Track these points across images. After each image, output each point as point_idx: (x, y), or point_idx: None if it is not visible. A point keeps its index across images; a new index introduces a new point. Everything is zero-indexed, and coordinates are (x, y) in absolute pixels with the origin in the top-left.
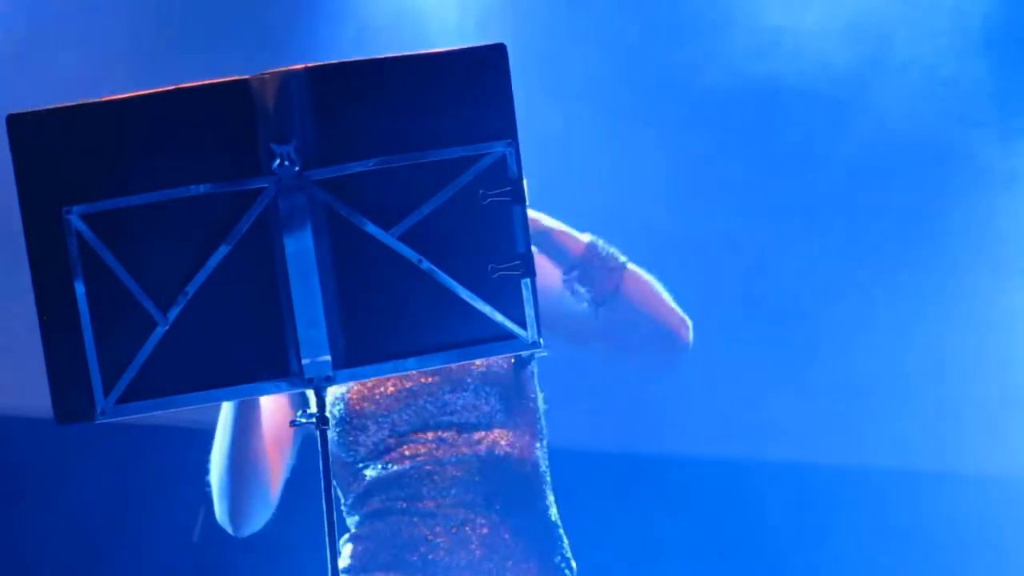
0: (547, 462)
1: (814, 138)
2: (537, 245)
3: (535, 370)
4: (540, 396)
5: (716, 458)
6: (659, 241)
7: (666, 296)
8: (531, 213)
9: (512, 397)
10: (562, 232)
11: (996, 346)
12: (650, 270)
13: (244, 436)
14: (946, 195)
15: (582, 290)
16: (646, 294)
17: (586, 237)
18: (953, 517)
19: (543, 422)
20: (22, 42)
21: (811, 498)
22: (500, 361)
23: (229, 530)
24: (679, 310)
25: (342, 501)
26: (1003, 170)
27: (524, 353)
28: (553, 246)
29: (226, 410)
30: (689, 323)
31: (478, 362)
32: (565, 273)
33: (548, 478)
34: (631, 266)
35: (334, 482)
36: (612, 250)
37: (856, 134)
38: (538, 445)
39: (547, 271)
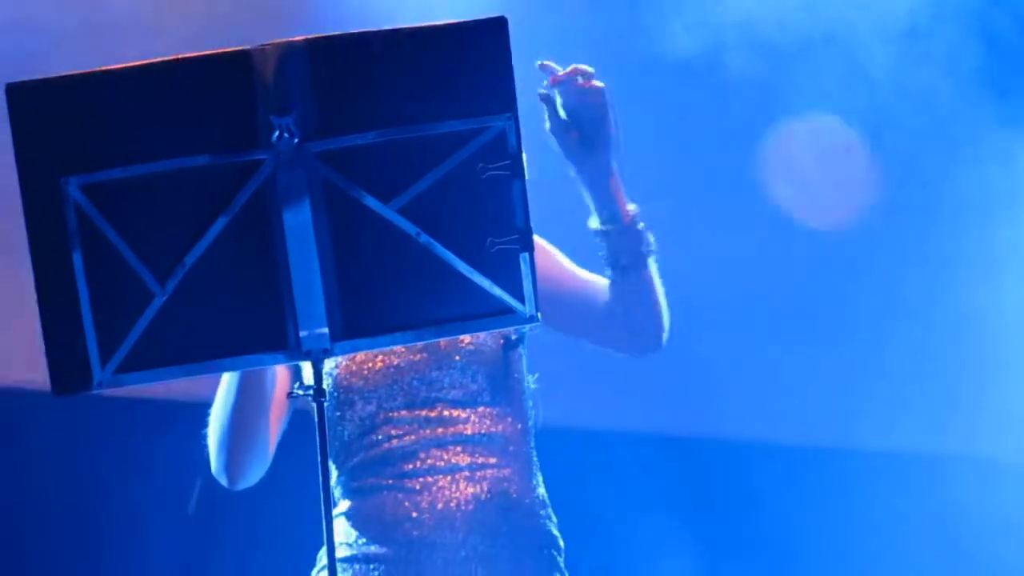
0: (533, 442)
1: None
2: (596, 186)
3: (524, 352)
4: (529, 378)
5: (724, 439)
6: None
7: (663, 297)
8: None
9: (499, 377)
10: (620, 187)
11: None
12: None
13: (247, 396)
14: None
15: (606, 250)
16: (654, 285)
17: (632, 205)
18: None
19: (531, 403)
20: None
21: (826, 483)
22: (489, 340)
23: (224, 483)
24: (667, 314)
25: (332, 476)
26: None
27: (522, 328)
28: (611, 195)
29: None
30: (667, 328)
31: (467, 340)
32: (605, 224)
33: (535, 458)
34: (651, 260)
35: None
36: (647, 234)
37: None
38: (523, 426)
39: (548, 256)
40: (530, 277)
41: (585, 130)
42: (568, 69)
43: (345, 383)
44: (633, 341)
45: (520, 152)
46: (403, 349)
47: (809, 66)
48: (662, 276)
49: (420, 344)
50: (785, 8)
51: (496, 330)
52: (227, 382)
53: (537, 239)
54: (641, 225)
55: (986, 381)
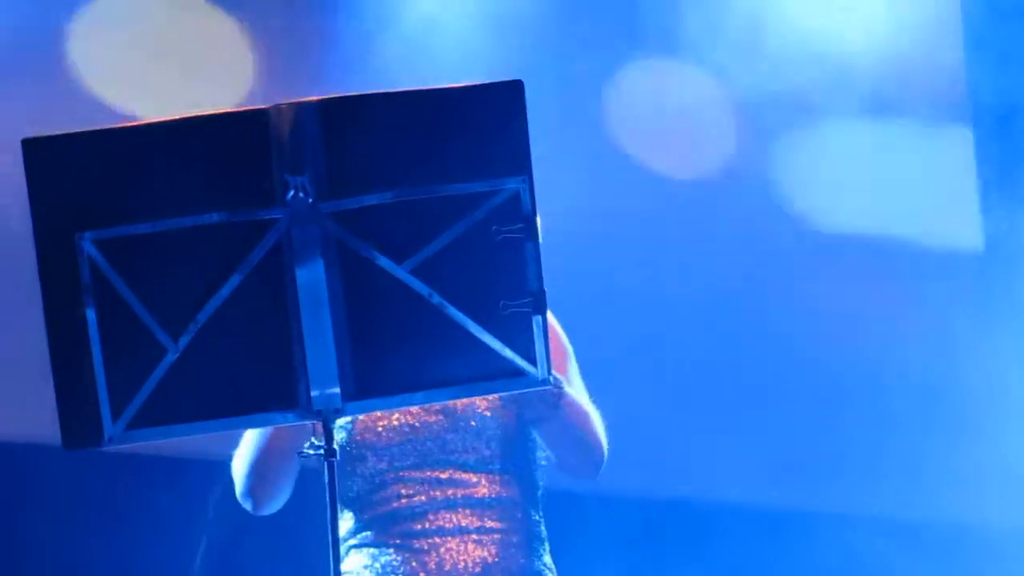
0: (542, 512)
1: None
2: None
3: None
4: (541, 448)
5: (715, 502)
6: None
7: (593, 425)
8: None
9: (513, 445)
10: None
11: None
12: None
13: (277, 433)
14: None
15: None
16: (579, 425)
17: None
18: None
19: (540, 473)
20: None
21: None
22: (505, 408)
23: (248, 507)
24: (603, 440)
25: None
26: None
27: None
28: None
29: None
30: (605, 453)
31: (483, 406)
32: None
33: (543, 527)
34: (568, 394)
35: None
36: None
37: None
38: (532, 495)
39: (562, 361)
40: (543, 340)
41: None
42: None
43: (359, 438)
44: (574, 474)
45: (535, 214)
46: (419, 409)
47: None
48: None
49: (437, 406)
50: None
51: (508, 392)
52: None
53: (564, 340)
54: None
55: (956, 445)
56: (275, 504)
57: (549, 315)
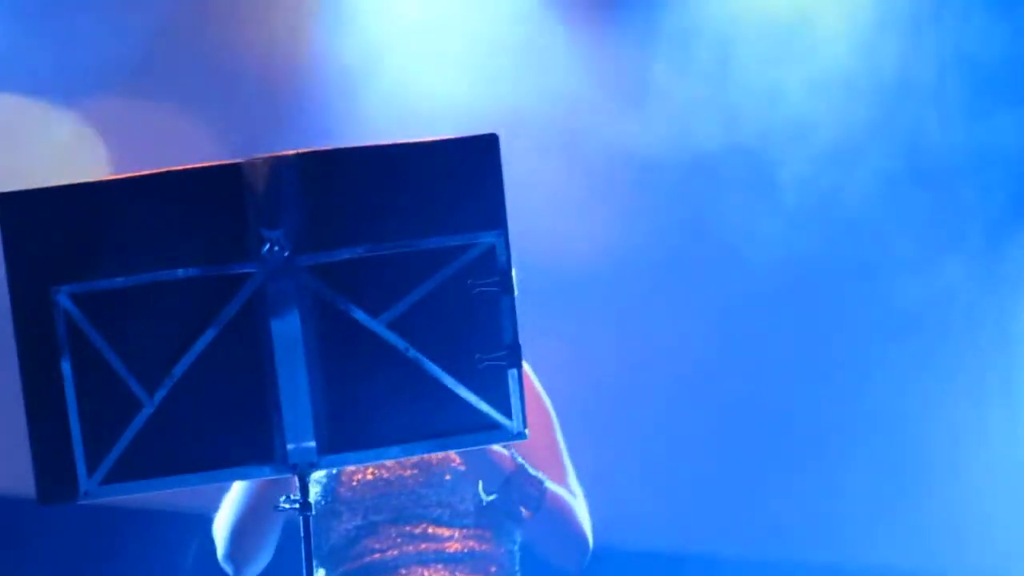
0: (518, 565)
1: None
2: (471, 463)
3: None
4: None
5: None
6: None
7: (575, 516)
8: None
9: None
10: (495, 452)
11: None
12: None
13: (260, 489)
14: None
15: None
16: (561, 521)
17: (513, 460)
18: None
19: (517, 534)
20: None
21: None
22: (482, 464)
23: (229, 571)
24: (586, 531)
25: None
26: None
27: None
28: (487, 463)
29: None
30: (590, 545)
31: (458, 460)
32: (497, 488)
33: None
34: (551, 489)
35: None
36: (536, 473)
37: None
38: (507, 549)
39: (547, 434)
40: (518, 393)
41: None
42: None
43: (334, 493)
44: (560, 565)
45: (510, 268)
46: (394, 463)
47: None
48: None
49: (412, 459)
50: None
51: (482, 446)
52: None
53: (548, 408)
54: (528, 468)
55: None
56: (256, 565)
57: (534, 382)
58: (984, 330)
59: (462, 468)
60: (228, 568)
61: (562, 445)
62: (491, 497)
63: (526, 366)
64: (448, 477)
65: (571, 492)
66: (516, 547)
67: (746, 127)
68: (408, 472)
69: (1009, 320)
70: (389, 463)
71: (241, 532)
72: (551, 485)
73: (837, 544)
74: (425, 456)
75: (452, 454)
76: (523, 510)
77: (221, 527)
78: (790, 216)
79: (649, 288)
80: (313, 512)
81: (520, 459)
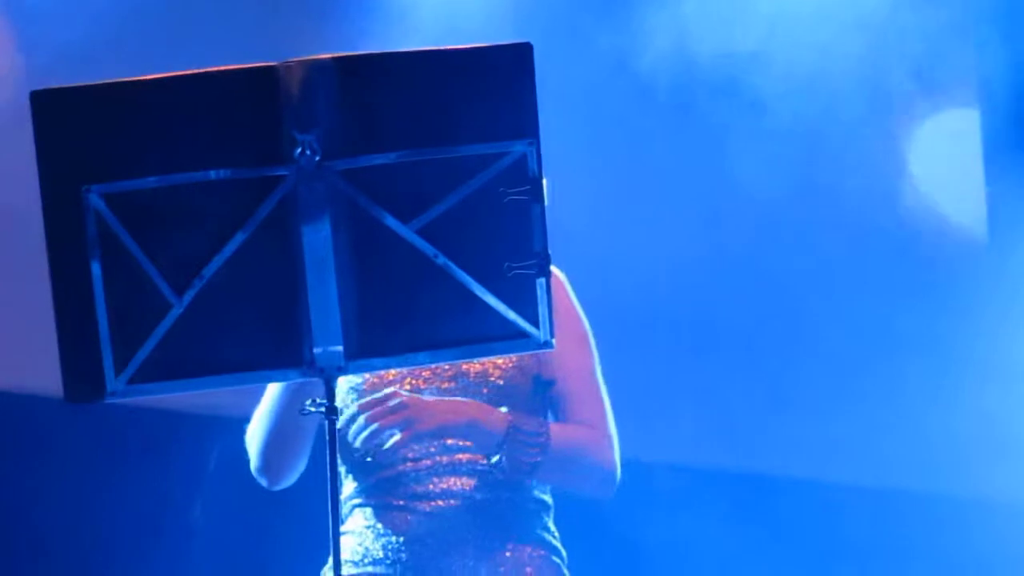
0: (548, 489)
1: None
2: (467, 436)
3: (553, 397)
4: (554, 418)
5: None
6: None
7: (595, 453)
8: (450, 408)
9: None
10: (487, 419)
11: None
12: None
13: (291, 401)
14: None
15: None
16: (571, 459)
17: (505, 420)
18: None
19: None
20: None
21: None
22: (519, 378)
23: (263, 483)
24: (604, 463)
25: (341, 491)
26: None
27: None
28: (480, 432)
29: None
30: (617, 474)
31: (496, 374)
32: (491, 456)
33: (548, 496)
34: (557, 433)
35: None
36: (533, 426)
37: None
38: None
39: (585, 355)
40: (546, 302)
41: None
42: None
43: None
44: (585, 496)
45: (541, 177)
46: (431, 374)
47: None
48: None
49: (449, 372)
50: None
51: (512, 354)
52: (273, 387)
53: (585, 327)
54: (522, 424)
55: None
56: (289, 477)
57: (575, 304)
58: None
59: (500, 383)
60: (262, 480)
61: (598, 373)
62: (495, 459)
63: (568, 288)
64: (485, 391)
65: (599, 421)
66: None
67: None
68: (445, 385)
69: None
70: (426, 374)
71: (272, 444)
72: (562, 429)
73: (849, 464)
74: (463, 369)
75: (489, 368)
76: (526, 465)
77: (253, 440)
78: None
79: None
80: (339, 416)
81: (513, 417)
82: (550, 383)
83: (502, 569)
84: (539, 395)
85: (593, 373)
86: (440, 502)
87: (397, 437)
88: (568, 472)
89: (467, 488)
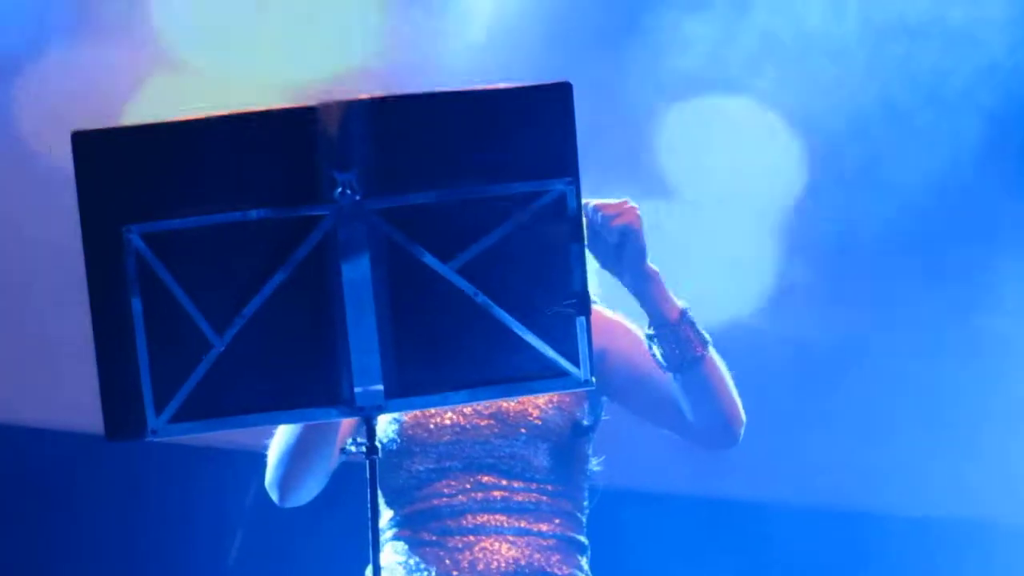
0: (584, 526)
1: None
2: (638, 293)
3: (593, 436)
4: (593, 460)
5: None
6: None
7: (734, 390)
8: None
9: (561, 457)
10: (663, 289)
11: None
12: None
13: (315, 425)
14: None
15: (658, 353)
16: (719, 380)
17: (682, 303)
18: None
19: (587, 490)
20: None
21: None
22: (558, 419)
23: (274, 497)
24: (740, 406)
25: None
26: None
27: (597, 411)
28: (652, 299)
29: None
30: (744, 420)
31: (535, 414)
32: (653, 328)
33: (583, 537)
34: (712, 350)
35: None
36: (701, 327)
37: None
38: (575, 506)
39: (630, 339)
40: (586, 341)
41: (616, 245)
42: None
43: (410, 432)
44: (705, 438)
45: (580, 216)
46: (471, 410)
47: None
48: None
49: (489, 409)
50: None
51: (552, 392)
52: None
53: (630, 325)
54: (691, 325)
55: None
56: (301, 497)
57: (620, 317)
58: None
59: (539, 423)
60: (272, 494)
61: None
62: (651, 331)
63: (598, 305)
64: (523, 431)
65: None
66: (585, 505)
67: None
68: (484, 422)
69: None
70: (467, 411)
71: (288, 461)
72: (713, 350)
73: (886, 493)
74: (502, 407)
75: (530, 407)
76: (697, 348)
77: (272, 455)
78: None
79: None
80: (380, 456)
81: (686, 304)
82: (591, 427)
83: None
84: (578, 439)
85: None
86: (471, 537)
87: None
88: (720, 385)
89: (501, 525)
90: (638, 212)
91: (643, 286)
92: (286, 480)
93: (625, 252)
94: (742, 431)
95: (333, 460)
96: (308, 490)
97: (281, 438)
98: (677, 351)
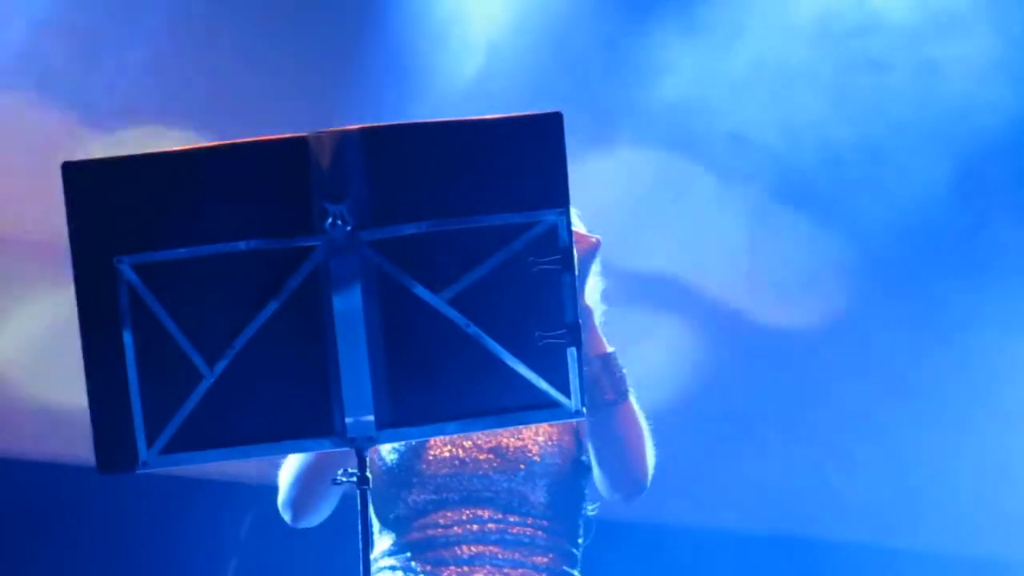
0: (579, 559)
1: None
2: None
3: (591, 477)
4: (590, 506)
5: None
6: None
7: (647, 446)
8: (585, 302)
9: (559, 495)
10: (592, 328)
11: None
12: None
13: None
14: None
15: None
16: (628, 432)
17: (609, 347)
18: None
19: (584, 527)
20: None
21: None
22: (557, 458)
23: (287, 518)
24: (649, 460)
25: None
26: None
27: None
28: (590, 334)
29: None
30: (650, 476)
31: (534, 450)
32: (592, 369)
33: (577, 572)
34: (632, 401)
35: None
36: (625, 373)
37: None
38: (569, 541)
39: None
40: (577, 372)
41: None
42: None
43: (408, 463)
44: (612, 483)
45: (571, 247)
46: (471, 444)
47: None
48: None
49: (488, 444)
50: None
51: (543, 423)
52: None
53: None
54: (609, 370)
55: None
56: (314, 518)
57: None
58: None
59: (537, 459)
60: (286, 515)
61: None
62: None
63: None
64: (522, 467)
65: None
66: (580, 541)
67: None
68: (483, 456)
69: None
70: (466, 444)
71: (300, 484)
72: (633, 400)
73: (882, 525)
74: (502, 443)
75: (529, 444)
76: (608, 394)
77: (284, 475)
78: None
79: None
80: (371, 486)
81: (613, 349)
82: (590, 467)
83: None
84: (579, 478)
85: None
86: (466, 567)
87: None
88: (624, 441)
89: (496, 556)
90: (592, 246)
91: None
92: (298, 501)
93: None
94: (646, 486)
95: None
96: (319, 511)
97: (292, 460)
98: (593, 392)
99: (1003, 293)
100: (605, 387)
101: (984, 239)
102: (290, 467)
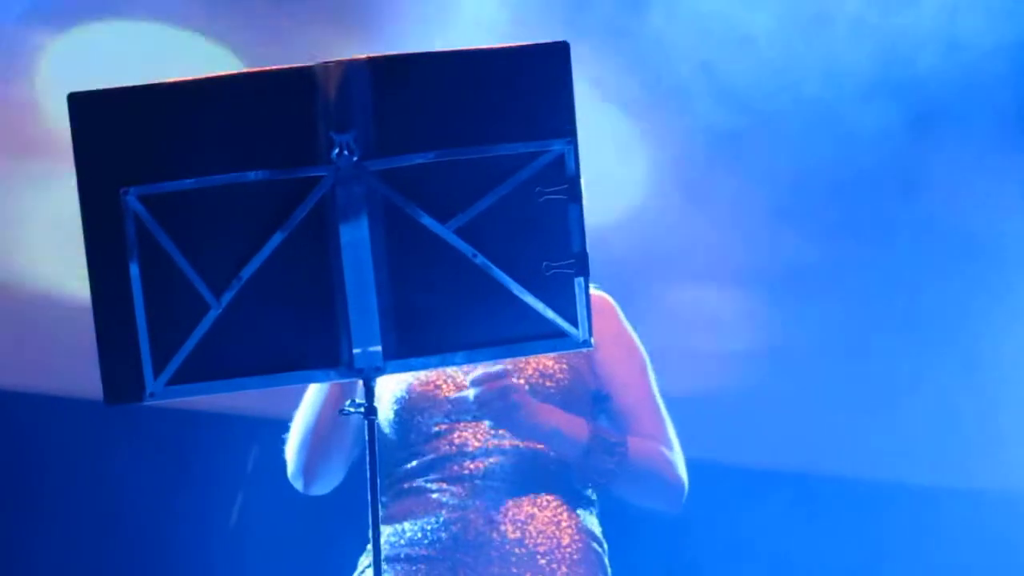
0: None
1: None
2: (548, 442)
3: (613, 413)
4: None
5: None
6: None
7: (665, 468)
8: (542, 411)
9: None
10: (561, 436)
11: None
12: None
13: (331, 406)
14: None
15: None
16: (644, 475)
17: (587, 427)
18: None
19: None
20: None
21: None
22: (572, 388)
23: (298, 487)
24: (678, 472)
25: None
26: None
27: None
28: (563, 440)
29: None
30: (685, 488)
31: (550, 383)
32: (579, 460)
33: (593, 494)
34: (633, 445)
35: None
36: (613, 436)
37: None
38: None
39: (641, 375)
40: (584, 302)
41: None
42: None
43: (420, 389)
44: (656, 510)
45: (578, 176)
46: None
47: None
48: None
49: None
50: None
51: (550, 353)
52: (313, 390)
53: (641, 351)
54: (596, 451)
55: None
56: (323, 485)
57: (626, 326)
58: None
59: (552, 390)
60: (297, 484)
61: (656, 392)
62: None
63: (618, 312)
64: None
65: (664, 436)
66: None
67: None
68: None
69: None
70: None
71: (308, 448)
72: (635, 442)
73: (879, 461)
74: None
75: (546, 381)
76: (603, 475)
77: (291, 444)
78: None
79: None
80: (377, 416)
81: (592, 425)
82: (607, 397)
83: (542, 548)
84: (592, 405)
85: (651, 390)
86: (478, 482)
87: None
88: (641, 485)
89: (509, 467)
90: (507, 386)
91: (545, 442)
92: (307, 468)
93: (506, 420)
94: (683, 499)
95: (350, 446)
96: (330, 478)
97: (297, 428)
98: (594, 476)
99: None
100: (604, 460)
101: None
102: (294, 437)
